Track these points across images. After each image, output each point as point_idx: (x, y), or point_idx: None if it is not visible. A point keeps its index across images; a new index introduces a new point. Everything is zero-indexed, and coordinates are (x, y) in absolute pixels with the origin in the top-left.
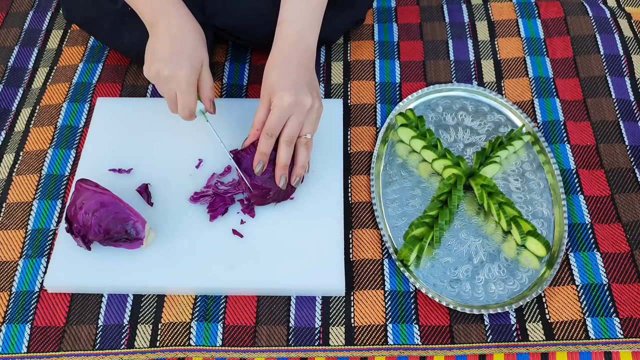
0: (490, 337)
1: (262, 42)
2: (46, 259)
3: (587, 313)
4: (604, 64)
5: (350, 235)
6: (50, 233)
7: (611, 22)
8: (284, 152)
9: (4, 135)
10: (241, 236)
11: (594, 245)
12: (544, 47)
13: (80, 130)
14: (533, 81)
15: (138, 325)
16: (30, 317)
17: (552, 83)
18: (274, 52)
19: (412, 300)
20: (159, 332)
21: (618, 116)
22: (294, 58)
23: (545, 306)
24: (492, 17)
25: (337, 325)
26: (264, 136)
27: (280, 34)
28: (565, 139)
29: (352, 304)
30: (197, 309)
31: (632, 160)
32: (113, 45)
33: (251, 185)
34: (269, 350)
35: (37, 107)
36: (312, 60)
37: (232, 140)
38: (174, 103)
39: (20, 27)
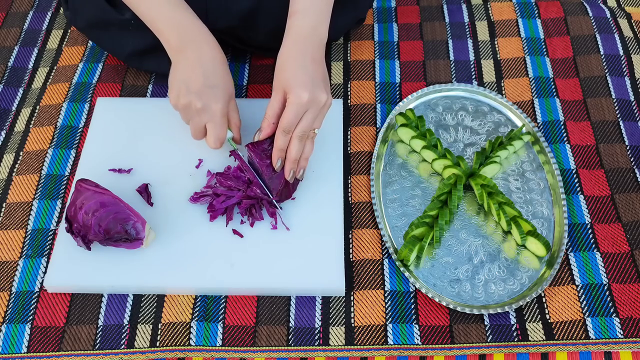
0: (490, 337)
1: (265, 42)
2: (46, 259)
3: (587, 313)
4: (604, 64)
5: (350, 235)
6: (50, 233)
7: (611, 22)
8: (296, 147)
9: (4, 135)
10: (241, 236)
11: (594, 245)
12: (544, 47)
13: (80, 130)
14: (533, 81)
15: (138, 325)
16: (30, 317)
17: (552, 83)
18: (287, 45)
19: (412, 300)
20: (159, 332)
21: (618, 116)
22: (309, 51)
23: (545, 306)
24: (492, 17)
25: (337, 325)
26: (280, 133)
27: (292, 25)
28: (565, 139)
29: (352, 304)
30: (197, 309)
31: (632, 160)
32: (114, 51)
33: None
34: (269, 350)
35: (37, 107)
36: (323, 54)
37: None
38: (201, 133)
39: (20, 27)
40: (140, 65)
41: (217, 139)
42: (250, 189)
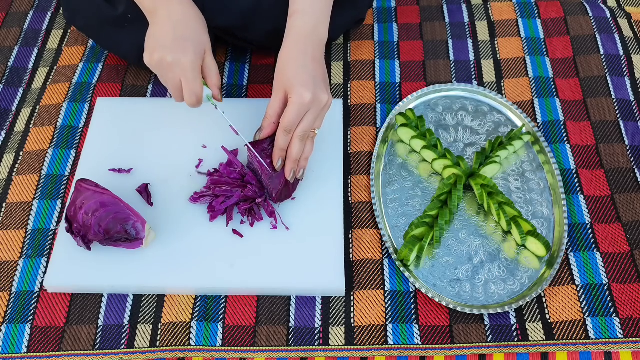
0: (490, 337)
1: (264, 41)
2: (46, 259)
3: (587, 313)
4: (604, 64)
5: (350, 235)
6: (50, 233)
7: (611, 22)
8: (297, 147)
9: (4, 135)
10: (241, 236)
11: (594, 245)
12: (544, 47)
13: (80, 130)
14: (533, 81)
15: (138, 325)
16: (30, 317)
17: (552, 83)
18: (287, 45)
19: (412, 300)
20: (159, 332)
21: (618, 116)
22: (309, 51)
23: (545, 306)
24: (492, 17)
25: (337, 325)
26: (282, 132)
27: (293, 25)
28: (565, 139)
29: (352, 304)
30: (197, 309)
31: (632, 160)
32: (112, 49)
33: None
34: (269, 350)
35: (37, 107)
36: (323, 53)
37: (232, 140)
38: (178, 91)
39: (20, 27)
40: (139, 62)
41: (191, 93)
42: (247, 189)
